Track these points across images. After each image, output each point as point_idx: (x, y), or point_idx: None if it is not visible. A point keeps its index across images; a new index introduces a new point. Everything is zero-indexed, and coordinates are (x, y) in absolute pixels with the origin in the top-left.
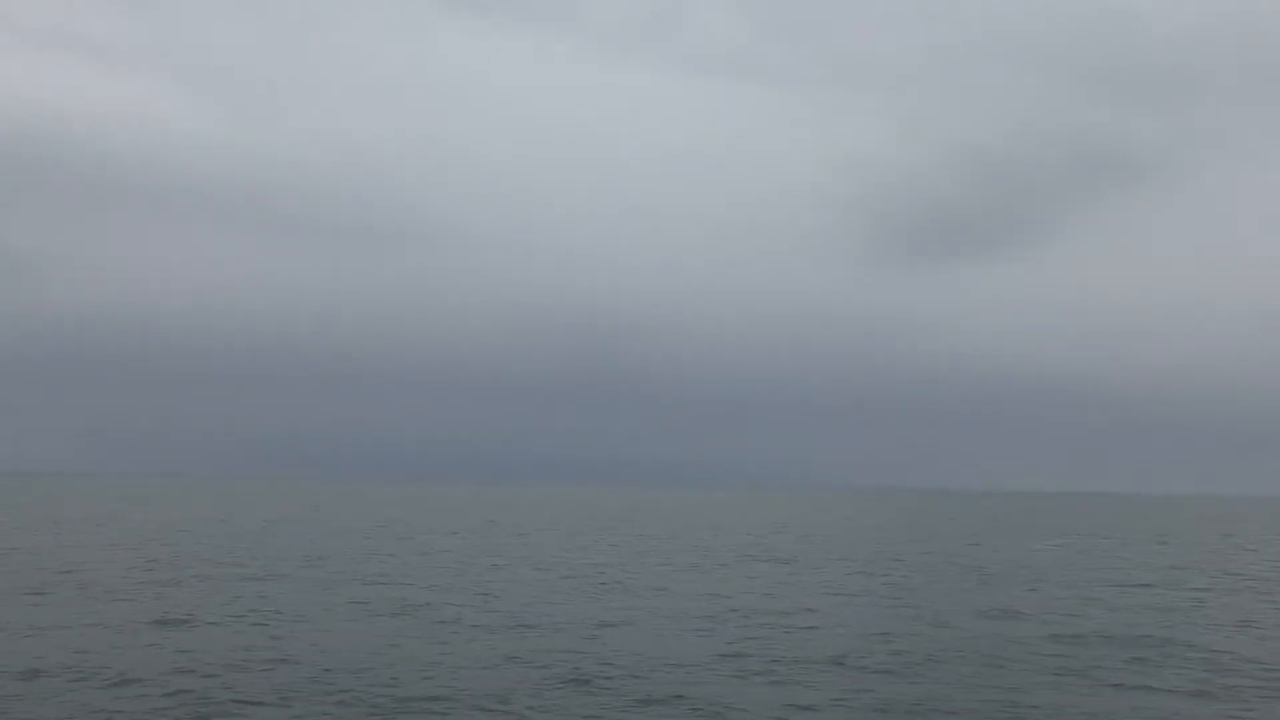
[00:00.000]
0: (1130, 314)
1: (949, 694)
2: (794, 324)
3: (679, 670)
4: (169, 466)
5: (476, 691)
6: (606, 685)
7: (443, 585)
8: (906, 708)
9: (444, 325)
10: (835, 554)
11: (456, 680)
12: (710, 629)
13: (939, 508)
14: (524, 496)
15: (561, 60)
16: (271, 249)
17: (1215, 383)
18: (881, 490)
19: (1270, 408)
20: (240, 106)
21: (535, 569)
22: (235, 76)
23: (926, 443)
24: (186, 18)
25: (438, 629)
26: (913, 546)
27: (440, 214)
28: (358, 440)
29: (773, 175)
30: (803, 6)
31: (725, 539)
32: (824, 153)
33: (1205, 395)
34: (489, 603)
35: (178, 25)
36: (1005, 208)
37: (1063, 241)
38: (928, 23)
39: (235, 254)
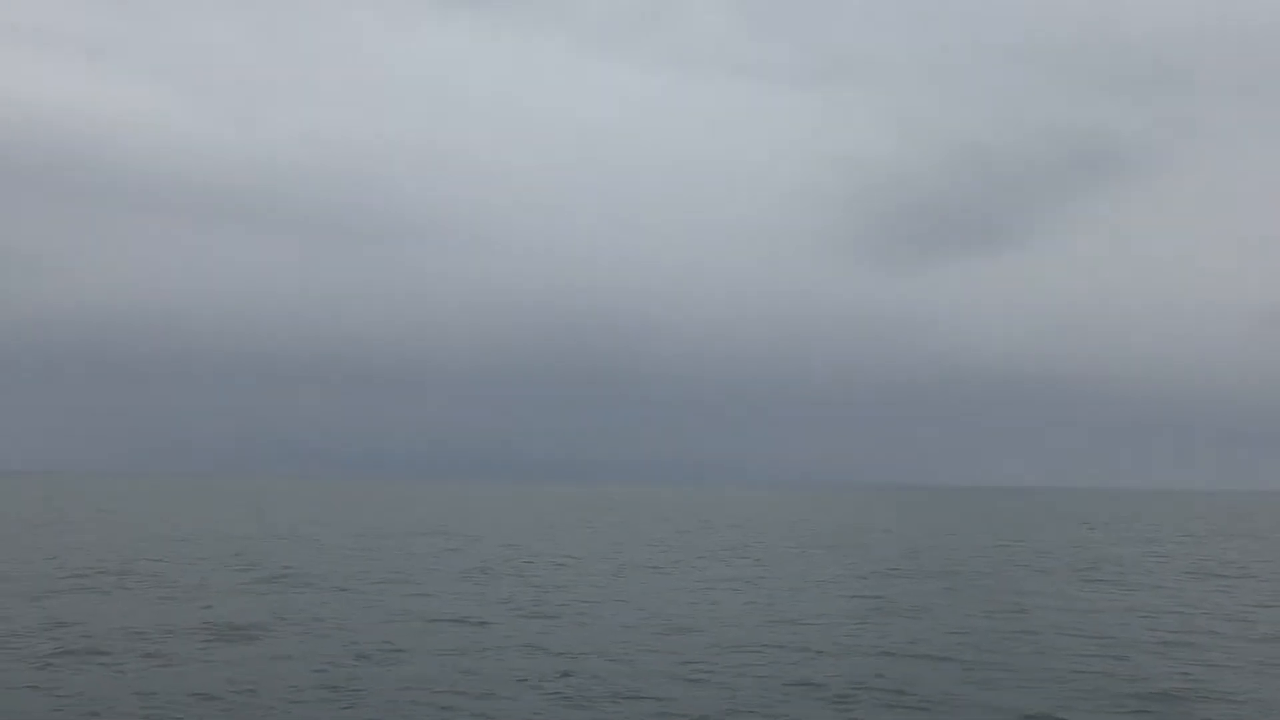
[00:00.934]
0: (1122, 309)
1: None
2: (791, 322)
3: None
4: (169, 466)
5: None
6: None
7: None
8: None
9: (441, 325)
10: (896, 548)
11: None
12: (868, 623)
13: (946, 504)
14: (533, 496)
15: (555, 58)
16: (271, 249)
17: (1206, 380)
18: (881, 487)
19: (1259, 404)
20: (237, 106)
21: (655, 571)
22: (233, 77)
23: (922, 440)
24: (187, 19)
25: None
26: (960, 542)
27: (438, 213)
28: (356, 440)
29: (767, 173)
30: (797, 4)
31: (780, 533)
32: (818, 150)
33: (1195, 392)
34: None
35: (175, 26)
36: (1003, 204)
37: (1059, 238)
38: (922, 20)
39: (234, 254)
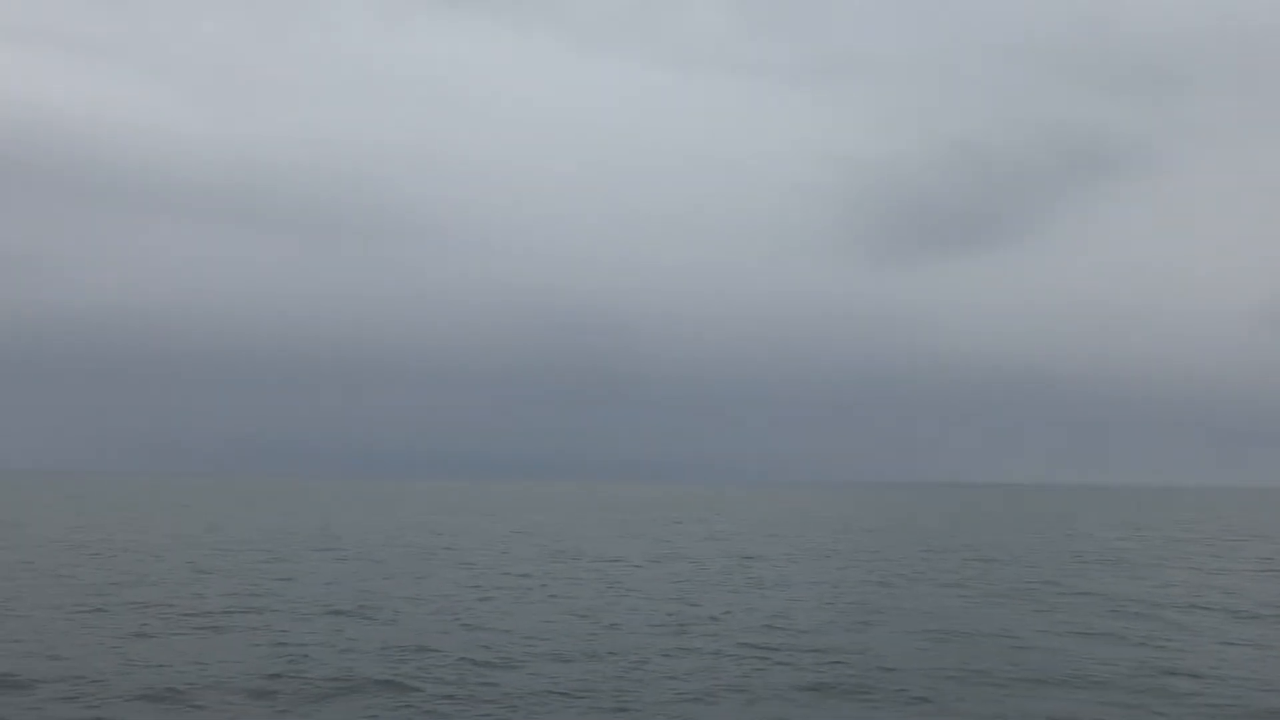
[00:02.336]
0: (1120, 307)
1: None
2: (791, 321)
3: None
4: (167, 466)
5: None
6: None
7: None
8: None
9: (441, 325)
10: (979, 545)
11: None
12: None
13: (952, 502)
14: (543, 494)
15: (554, 57)
16: (270, 248)
17: (1203, 378)
18: (882, 486)
19: (1255, 403)
20: (236, 106)
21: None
22: (233, 76)
23: (920, 437)
24: (187, 19)
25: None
26: (1023, 541)
27: (438, 213)
28: (356, 440)
29: (766, 172)
30: (797, 3)
31: (854, 534)
32: (817, 149)
33: (1192, 390)
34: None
35: (175, 26)
36: (1002, 203)
37: (1058, 236)
38: (921, 20)
39: (234, 254)
